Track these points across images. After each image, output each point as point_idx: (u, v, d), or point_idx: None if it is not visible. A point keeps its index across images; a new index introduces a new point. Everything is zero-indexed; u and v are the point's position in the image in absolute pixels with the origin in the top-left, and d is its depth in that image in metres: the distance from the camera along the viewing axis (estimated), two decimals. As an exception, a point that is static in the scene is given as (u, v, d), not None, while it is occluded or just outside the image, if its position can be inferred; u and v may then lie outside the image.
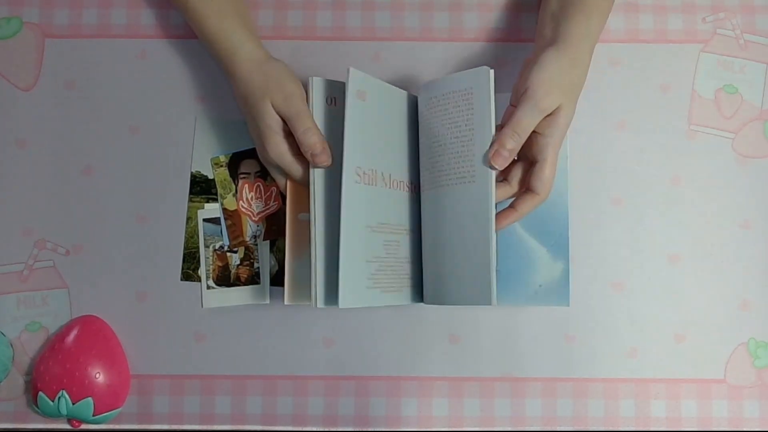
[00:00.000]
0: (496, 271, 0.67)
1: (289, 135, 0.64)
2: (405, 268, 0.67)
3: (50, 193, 0.72)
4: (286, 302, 0.65)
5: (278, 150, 0.64)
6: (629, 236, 0.71)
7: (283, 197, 0.69)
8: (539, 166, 0.62)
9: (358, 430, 0.70)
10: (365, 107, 0.63)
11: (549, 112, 0.61)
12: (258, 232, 0.72)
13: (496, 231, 0.63)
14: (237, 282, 0.71)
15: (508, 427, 0.70)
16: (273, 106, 0.63)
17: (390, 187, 0.66)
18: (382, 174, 0.65)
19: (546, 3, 0.67)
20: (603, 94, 0.73)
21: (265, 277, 0.71)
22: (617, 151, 0.72)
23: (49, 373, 0.67)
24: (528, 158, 0.63)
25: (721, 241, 0.71)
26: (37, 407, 0.68)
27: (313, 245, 0.62)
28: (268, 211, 0.72)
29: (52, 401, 0.67)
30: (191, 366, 0.71)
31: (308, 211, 0.63)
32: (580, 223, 0.71)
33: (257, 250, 0.71)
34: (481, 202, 0.61)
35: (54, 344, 0.69)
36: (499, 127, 0.62)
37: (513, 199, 0.65)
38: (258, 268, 0.71)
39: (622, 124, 0.73)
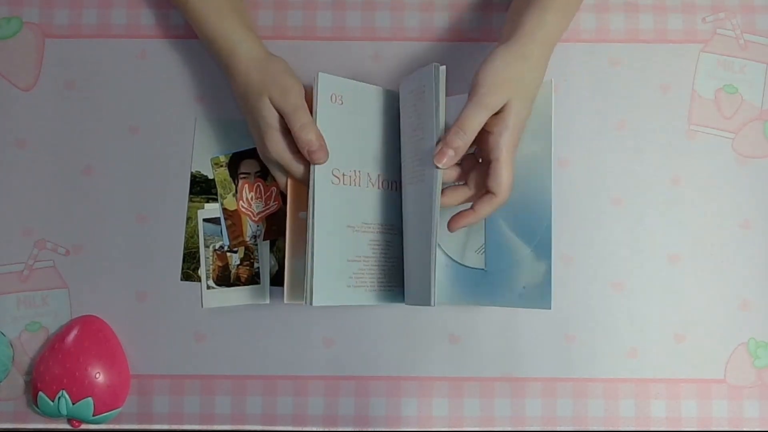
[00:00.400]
0: (483, 271, 0.67)
1: (289, 132, 0.64)
2: (399, 268, 0.67)
3: (50, 193, 0.72)
4: (285, 301, 0.65)
5: (278, 147, 0.64)
6: (629, 236, 0.71)
7: (284, 196, 0.69)
8: (493, 165, 0.60)
9: (358, 430, 0.70)
10: (342, 110, 0.64)
11: (496, 110, 0.59)
12: (258, 232, 0.72)
13: (453, 231, 0.63)
14: (237, 282, 0.71)
15: (508, 427, 0.70)
16: (271, 101, 0.63)
17: (379, 188, 0.66)
18: (369, 175, 0.65)
19: (510, 7, 0.67)
20: (603, 94, 0.73)
21: (265, 277, 0.71)
22: (617, 151, 0.72)
23: (49, 373, 0.67)
24: (485, 159, 0.62)
25: (721, 241, 0.71)
26: (37, 407, 0.68)
27: (309, 244, 0.62)
28: (268, 211, 0.72)
29: (52, 401, 0.67)
30: (191, 366, 0.71)
31: (307, 209, 0.63)
32: (580, 223, 0.71)
33: (257, 250, 0.71)
34: (426, 202, 0.61)
35: (54, 344, 0.69)
36: None
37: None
38: (258, 268, 0.71)
39: (622, 124, 0.73)
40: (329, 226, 0.63)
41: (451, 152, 0.59)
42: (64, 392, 0.67)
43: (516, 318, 0.71)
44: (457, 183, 0.64)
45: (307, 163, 0.63)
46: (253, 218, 0.72)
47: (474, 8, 0.74)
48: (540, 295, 0.65)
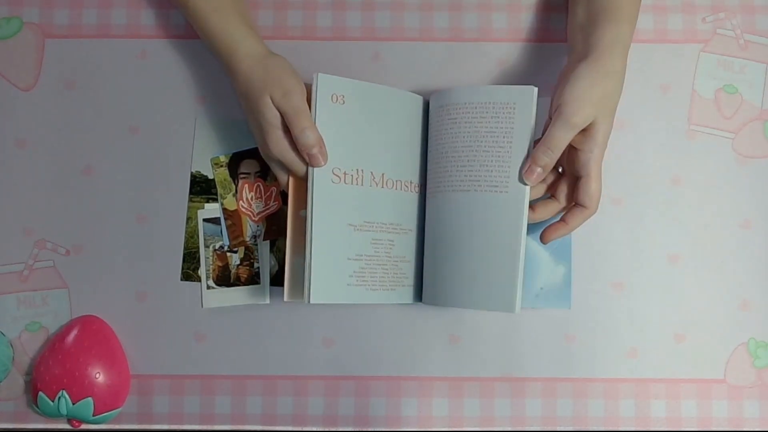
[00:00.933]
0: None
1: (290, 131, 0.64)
2: (402, 267, 0.67)
3: (50, 193, 0.72)
4: (285, 299, 0.65)
5: (279, 146, 0.64)
6: (629, 236, 0.71)
7: (284, 195, 0.69)
8: (584, 181, 0.62)
9: (358, 430, 0.70)
10: (344, 110, 0.65)
11: (582, 128, 0.61)
12: (258, 232, 0.72)
13: (546, 243, 0.65)
14: (237, 282, 0.71)
15: (508, 427, 0.70)
16: (272, 101, 0.63)
17: (383, 187, 0.66)
18: (372, 174, 0.66)
19: (573, 14, 0.67)
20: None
21: (265, 277, 0.71)
22: (617, 151, 0.72)
23: (49, 373, 0.67)
24: (573, 173, 0.64)
25: (721, 241, 0.71)
26: (37, 407, 0.68)
27: (307, 242, 0.63)
28: (268, 211, 0.72)
29: (52, 401, 0.67)
30: (191, 366, 0.71)
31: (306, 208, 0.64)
32: (580, 223, 0.71)
33: (257, 250, 0.71)
34: (513, 213, 0.63)
35: (54, 344, 0.69)
36: (534, 143, 0.63)
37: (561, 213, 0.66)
38: (258, 268, 0.71)
39: (622, 124, 0.73)
40: (329, 225, 0.63)
41: (539, 170, 0.62)
42: (64, 392, 0.67)
43: (516, 318, 0.71)
44: (545, 197, 0.66)
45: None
46: (253, 218, 0.72)
47: (474, 8, 0.74)
48: (559, 295, 0.70)
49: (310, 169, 0.63)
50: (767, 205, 0.72)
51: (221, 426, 0.70)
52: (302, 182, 0.65)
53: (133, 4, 0.74)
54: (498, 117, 0.64)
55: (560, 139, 0.60)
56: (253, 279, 0.71)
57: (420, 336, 0.71)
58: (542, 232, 0.65)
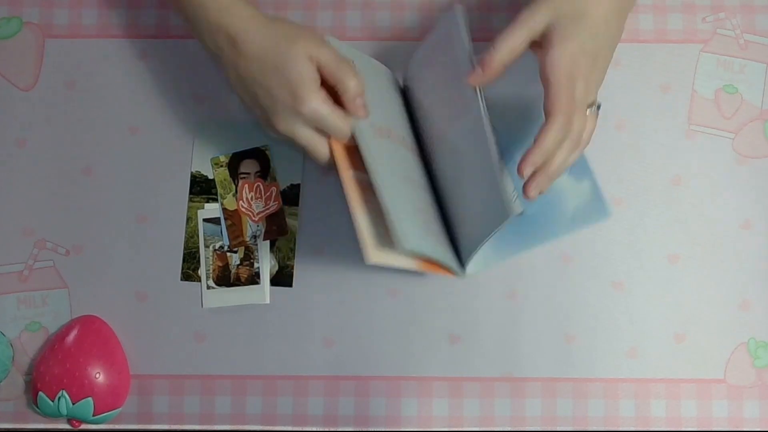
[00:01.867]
0: (518, 216, 0.61)
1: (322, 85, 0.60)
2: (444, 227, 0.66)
3: (50, 193, 0.72)
4: (372, 261, 0.57)
5: (318, 99, 0.58)
6: (629, 236, 0.71)
7: (284, 195, 0.69)
8: (544, 90, 0.58)
9: (358, 430, 0.70)
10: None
11: (536, 28, 0.58)
12: (258, 232, 0.72)
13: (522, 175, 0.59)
14: (237, 282, 0.71)
15: (508, 427, 0.70)
16: (307, 50, 0.58)
17: (400, 144, 0.65)
18: (390, 130, 0.65)
19: None
20: (603, 95, 0.72)
21: (265, 277, 0.71)
22: (617, 151, 0.72)
23: (49, 373, 0.67)
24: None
25: (721, 241, 0.71)
26: (37, 407, 0.68)
27: (382, 195, 0.58)
28: (268, 211, 0.72)
29: (52, 401, 0.67)
30: (191, 366, 0.71)
31: (361, 168, 0.60)
32: (580, 223, 0.71)
33: (257, 250, 0.71)
34: (475, 126, 0.59)
35: (54, 344, 0.69)
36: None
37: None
38: (258, 268, 0.71)
39: (622, 124, 0.73)
40: (393, 179, 0.60)
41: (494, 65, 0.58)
42: (64, 392, 0.67)
43: (516, 318, 0.71)
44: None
45: (348, 114, 0.60)
46: (253, 218, 0.72)
47: (474, 8, 0.74)
48: (594, 209, 0.68)
49: (358, 127, 0.60)
50: (767, 205, 0.72)
51: (221, 426, 0.70)
52: (346, 145, 0.61)
53: (134, 4, 0.74)
54: (441, 54, 0.63)
55: (515, 36, 0.58)
56: (253, 279, 0.71)
57: (420, 336, 0.71)
58: (519, 163, 0.58)
